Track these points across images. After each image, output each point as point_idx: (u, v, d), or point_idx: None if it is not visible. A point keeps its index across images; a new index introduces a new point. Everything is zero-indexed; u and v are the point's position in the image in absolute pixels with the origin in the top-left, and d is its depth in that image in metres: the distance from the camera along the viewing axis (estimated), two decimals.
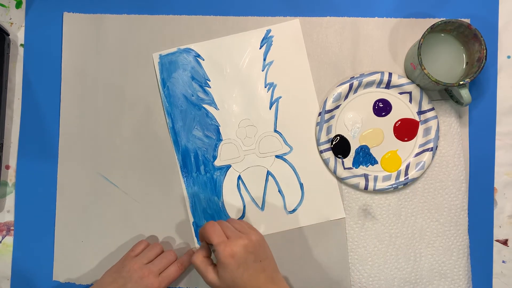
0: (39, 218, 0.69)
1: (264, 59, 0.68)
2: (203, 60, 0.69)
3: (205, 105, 0.68)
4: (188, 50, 0.69)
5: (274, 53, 0.68)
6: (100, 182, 0.68)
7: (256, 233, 0.59)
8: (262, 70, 0.68)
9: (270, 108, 0.68)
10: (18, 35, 0.70)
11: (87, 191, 0.68)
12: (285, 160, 0.68)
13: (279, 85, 0.68)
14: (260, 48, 0.68)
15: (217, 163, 0.68)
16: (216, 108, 0.68)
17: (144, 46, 0.69)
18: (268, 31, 0.68)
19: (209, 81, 0.68)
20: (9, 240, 0.69)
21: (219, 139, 0.68)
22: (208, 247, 0.60)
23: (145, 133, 0.68)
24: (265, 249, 0.59)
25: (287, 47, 0.68)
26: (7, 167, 0.69)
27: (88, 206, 0.68)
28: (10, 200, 0.69)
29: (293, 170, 0.68)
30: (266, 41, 0.68)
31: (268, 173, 0.68)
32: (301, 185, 0.68)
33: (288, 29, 0.68)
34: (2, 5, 0.70)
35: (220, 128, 0.68)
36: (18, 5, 0.70)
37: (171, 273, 0.63)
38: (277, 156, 0.68)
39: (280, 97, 0.68)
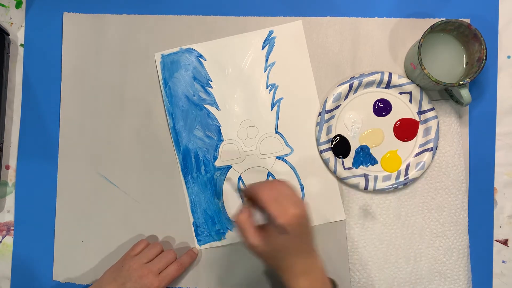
0: (39, 218, 0.69)
1: (266, 60, 0.68)
2: (205, 60, 0.69)
3: (206, 105, 0.68)
4: (190, 50, 0.69)
5: (276, 54, 0.68)
6: (100, 182, 0.68)
7: (303, 202, 0.55)
8: (264, 71, 0.68)
9: (271, 109, 0.68)
10: (18, 35, 0.70)
11: (87, 191, 0.68)
12: (286, 161, 0.68)
13: (281, 86, 0.68)
14: (262, 49, 0.68)
15: (218, 163, 0.68)
16: (217, 108, 0.68)
17: (144, 46, 0.69)
18: (271, 32, 0.68)
19: (211, 81, 0.68)
20: (9, 240, 0.69)
21: (220, 139, 0.68)
22: (251, 206, 0.57)
23: (145, 133, 0.68)
24: (310, 220, 0.56)
25: (289, 48, 0.68)
26: (7, 167, 0.69)
27: (88, 206, 0.68)
28: (10, 200, 0.69)
29: (293, 171, 0.68)
30: (268, 42, 0.68)
31: (269, 174, 0.68)
32: (302, 187, 0.68)
33: (290, 30, 0.68)
34: (2, 5, 0.70)
35: (221, 128, 0.68)
36: (18, 5, 0.70)
37: (171, 273, 0.63)
38: (278, 157, 0.68)
39: (281, 99, 0.68)
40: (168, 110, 0.68)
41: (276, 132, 0.68)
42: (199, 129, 0.68)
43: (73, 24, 0.69)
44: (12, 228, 0.69)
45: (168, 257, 0.64)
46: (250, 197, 0.57)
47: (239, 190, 0.65)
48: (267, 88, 0.68)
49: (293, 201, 0.54)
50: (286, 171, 0.68)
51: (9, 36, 0.69)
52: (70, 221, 0.68)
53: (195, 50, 0.69)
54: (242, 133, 0.68)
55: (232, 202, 0.68)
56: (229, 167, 0.68)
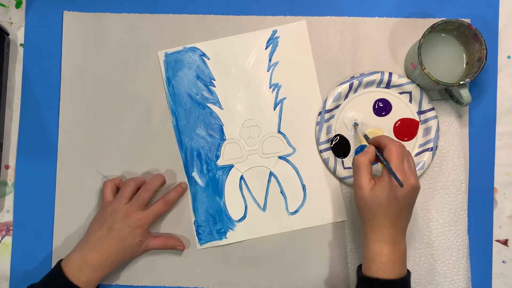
0: (38, 218, 0.68)
1: (270, 60, 0.68)
2: (209, 59, 0.69)
3: (209, 104, 0.68)
4: (193, 49, 0.69)
5: (279, 54, 0.68)
6: (100, 182, 0.68)
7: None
8: (267, 71, 0.68)
9: (274, 109, 0.68)
10: (18, 35, 0.70)
11: (86, 190, 0.68)
12: (288, 161, 0.68)
13: (284, 86, 0.68)
14: (265, 49, 0.68)
15: (220, 162, 0.68)
16: (220, 107, 0.68)
17: (144, 45, 0.69)
18: (274, 32, 0.68)
19: (214, 80, 0.68)
20: (8, 240, 0.69)
21: (222, 138, 0.68)
22: (375, 154, 0.59)
23: (146, 132, 0.68)
24: (415, 202, 0.58)
25: (293, 48, 0.68)
26: (7, 167, 0.69)
27: (88, 205, 0.68)
28: (9, 200, 0.69)
29: (296, 171, 0.68)
30: (272, 41, 0.68)
31: (271, 174, 0.68)
32: (304, 187, 0.68)
33: (294, 30, 0.68)
34: (2, 5, 0.70)
35: (224, 127, 0.68)
36: (18, 5, 0.70)
37: (156, 209, 0.64)
38: (280, 157, 0.68)
39: (284, 98, 0.68)
40: (171, 109, 0.68)
41: (279, 132, 0.68)
42: (202, 128, 0.68)
43: (73, 23, 0.69)
44: (11, 228, 0.69)
45: (149, 187, 0.64)
46: (377, 145, 0.59)
47: (366, 136, 0.65)
48: (270, 88, 0.68)
49: (415, 173, 0.57)
50: (288, 171, 0.68)
51: (9, 36, 0.69)
52: (69, 220, 0.68)
53: (198, 49, 0.69)
54: (244, 132, 0.68)
55: (233, 202, 0.68)
56: (231, 166, 0.68)
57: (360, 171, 0.57)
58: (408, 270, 0.58)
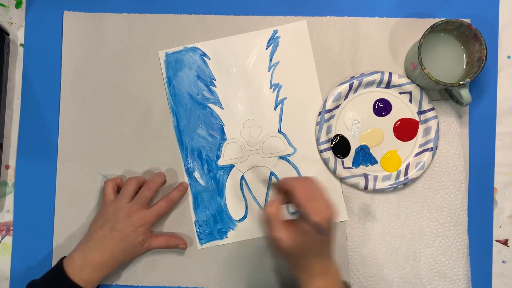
0: (39, 218, 0.68)
1: (270, 60, 0.68)
2: (209, 59, 0.69)
3: (210, 104, 0.68)
4: (194, 49, 0.69)
5: (280, 54, 0.68)
6: (100, 182, 0.68)
7: (332, 203, 0.55)
8: (268, 71, 0.68)
9: (275, 109, 0.68)
10: (18, 35, 0.70)
11: (86, 190, 0.68)
12: (288, 161, 0.68)
13: (285, 86, 0.68)
14: (266, 49, 0.68)
15: (221, 162, 0.68)
16: (221, 107, 0.68)
17: (144, 45, 0.69)
18: (275, 32, 0.68)
19: (215, 80, 0.68)
20: (8, 240, 0.69)
21: (223, 138, 0.68)
22: (281, 200, 0.57)
23: (146, 132, 0.68)
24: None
25: (294, 48, 0.68)
26: (7, 167, 0.69)
27: (88, 205, 0.68)
28: (9, 200, 0.69)
29: (296, 171, 0.68)
30: (273, 41, 0.68)
31: (272, 174, 0.68)
32: None
33: (295, 30, 0.68)
34: (2, 5, 0.70)
35: (225, 127, 0.68)
36: (18, 5, 0.70)
37: (159, 208, 0.64)
38: (280, 157, 0.68)
39: (285, 98, 0.68)
40: (172, 109, 0.68)
41: (279, 132, 0.68)
42: (203, 128, 0.68)
43: (73, 23, 0.69)
44: (11, 228, 0.69)
45: (151, 185, 0.64)
46: (283, 191, 0.56)
47: (270, 183, 0.65)
48: (270, 88, 0.68)
49: (327, 202, 0.54)
50: (289, 171, 0.68)
51: (9, 36, 0.69)
52: (70, 220, 0.68)
53: (199, 49, 0.69)
54: (245, 132, 0.68)
55: (234, 202, 0.68)
56: (232, 166, 0.68)
57: (272, 224, 0.54)
58: (345, 282, 0.59)
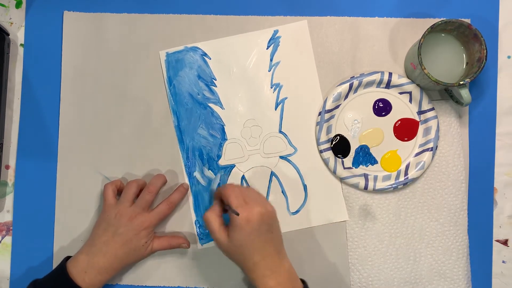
0: (39, 218, 0.68)
1: (271, 60, 0.68)
2: (210, 59, 0.69)
3: (210, 104, 0.68)
4: (195, 49, 0.69)
5: (281, 54, 0.68)
6: (100, 182, 0.68)
7: (271, 205, 0.60)
8: (269, 71, 0.68)
9: (275, 109, 0.68)
10: (18, 35, 0.70)
11: (87, 190, 0.68)
12: (289, 161, 0.68)
13: (285, 86, 0.68)
14: (267, 49, 0.68)
15: (222, 162, 0.68)
16: (221, 107, 0.68)
17: (145, 45, 0.69)
18: (276, 32, 0.68)
19: (215, 80, 0.68)
20: (8, 240, 0.69)
21: (224, 138, 0.68)
22: (221, 206, 0.61)
23: (147, 132, 0.68)
24: (277, 223, 0.60)
25: (294, 48, 0.68)
26: (7, 167, 0.69)
27: (88, 205, 0.68)
28: (9, 200, 0.69)
29: (297, 171, 0.68)
30: (273, 41, 0.68)
31: (272, 173, 0.68)
32: (305, 187, 0.68)
33: (295, 30, 0.68)
34: (2, 5, 0.70)
35: (225, 127, 0.68)
36: (18, 5, 0.70)
37: (161, 211, 0.64)
38: (281, 157, 0.68)
39: (286, 98, 0.68)
40: (172, 109, 0.68)
41: (280, 131, 0.68)
42: (203, 127, 0.68)
43: (74, 23, 0.69)
44: (11, 228, 0.69)
45: (151, 189, 0.64)
46: (220, 197, 0.60)
47: (210, 191, 0.68)
48: (271, 88, 0.68)
49: (259, 201, 0.59)
50: (290, 171, 0.68)
51: (9, 36, 0.69)
52: (70, 221, 0.68)
53: (199, 49, 0.69)
54: (246, 132, 0.68)
55: None
56: (232, 166, 0.68)
57: (211, 226, 0.59)
58: (302, 280, 0.59)
